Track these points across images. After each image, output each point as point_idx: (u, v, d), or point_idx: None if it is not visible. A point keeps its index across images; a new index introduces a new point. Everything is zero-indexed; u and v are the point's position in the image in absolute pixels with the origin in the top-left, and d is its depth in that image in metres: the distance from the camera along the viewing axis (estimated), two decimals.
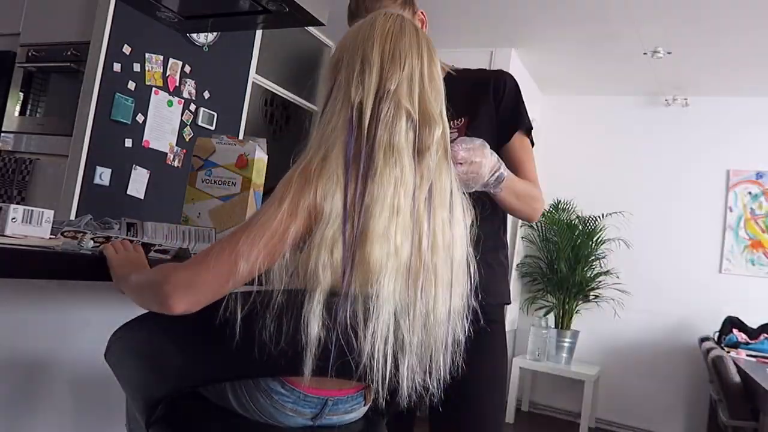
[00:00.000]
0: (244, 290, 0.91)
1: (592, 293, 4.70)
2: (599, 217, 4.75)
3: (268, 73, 4.20)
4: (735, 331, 4.04)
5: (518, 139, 1.50)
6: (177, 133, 3.42)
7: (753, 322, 4.09)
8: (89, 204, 2.92)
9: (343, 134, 0.96)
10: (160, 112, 3.30)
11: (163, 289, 0.91)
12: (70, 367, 1.43)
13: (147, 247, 1.24)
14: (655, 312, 4.61)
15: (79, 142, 2.95)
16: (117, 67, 3.05)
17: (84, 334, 1.42)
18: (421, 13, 1.55)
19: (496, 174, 1.29)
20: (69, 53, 3.10)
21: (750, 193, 4.55)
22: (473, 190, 1.25)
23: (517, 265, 4.87)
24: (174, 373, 1.00)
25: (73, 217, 2.83)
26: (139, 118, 3.19)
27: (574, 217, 4.83)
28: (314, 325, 0.87)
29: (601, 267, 4.75)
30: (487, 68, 2.57)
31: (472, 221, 1.06)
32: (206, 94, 3.58)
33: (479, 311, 1.04)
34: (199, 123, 3.55)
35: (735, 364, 3.14)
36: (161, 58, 3.27)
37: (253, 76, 3.98)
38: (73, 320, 1.42)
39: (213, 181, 1.73)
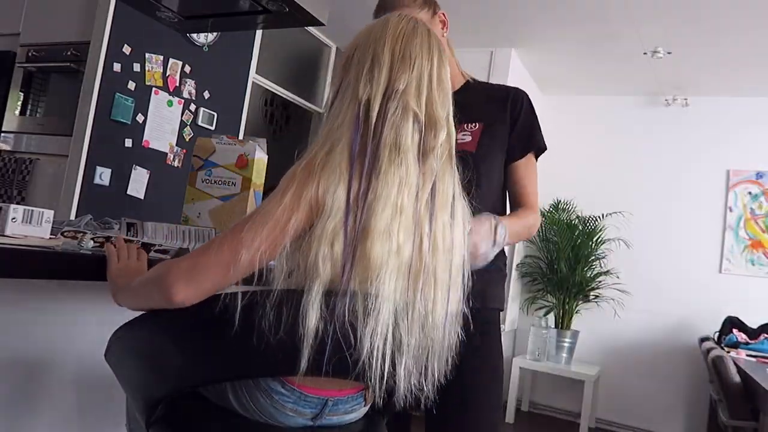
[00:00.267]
0: (245, 290, 0.91)
1: (592, 293, 4.70)
2: (599, 217, 4.75)
3: (268, 73, 4.20)
4: (735, 331, 4.04)
5: (527, 159, 1.53)
6: (177, 133, 3.42)
7: (753, 322, 4.09)
8: (89, 204, 2.92)
9: (349, 130, 0.96)
10: (160, 112, 3.30)
11: (166, 279, 0.91)
12: (70, 367, 1.43)
13: (147, 247, 1.24)
14: (655, 312, 4.61)
15: (79, 142, 2.96)
16: (117, 67, 3.05)
17: (84, 334, 1.42)
18: (442, 14, 1.56)
19: (496, 245, 1.27)
20: (69, 53, 3.10)
21: (750, 193, 4.55)
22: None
23: (517, 265, 4.87)
24: (174, 373, 1.00)
25: (73, 217, 2.83)
26: (139, 118, 3.19)
27: (574, 217, 4.83)
28: (312, 317, 0.87)
29: (601, 267, 4.75)
30: (491, 77, 2.59)
31: (471, 228, 1.07)
32: (206, 94, 3.58)
33: (477, 315, 1.04)
34: (199, 123, 3.55)
35: (735, 364, 3.14)
36: (161, 58, 3.28)
37: (253, 76, 3.99)
38: (73, 320, 1.42)
39: (213, 181, 1.73)
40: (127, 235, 1.45)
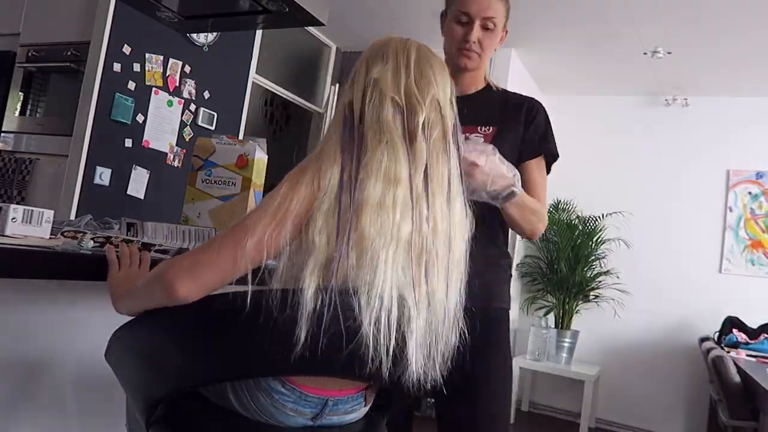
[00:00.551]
0: (245, 290, 0.91)
1: (592, 293, 4.70)
2: (599, 217, 4.75)
3: (268, 73, 4.20)
4: (735, 331, 4.04)
5: (538, 162, 1.58)
6: (177, 133, 3.42)
7: (753, 322, 4.09)
8: (89, 204, 2.92)
9: (339, 128, 1.02)
10: (160, 112, 3.30)
11: (168, 274, 0.91)
12: (71, 367, 1.43)
13: (147, 247, 1.24)
14: (655, 312, 4.61)
15: (79, 142, 2.96)
16: (117, 67, 3.05)
17: (84, 334, 1.42)
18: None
19: (508, 190, 1.29)
20: (69, 53, 3.10)
21: (750, 193, 4.55)
22: (476, 197, 1.24)
23: (517, 265, 4.86)
24: (174, 373, 0.99)
25: (73, 217, 2.83)
26: (139, 118, 3.19)
27: (574, 217, 4.83)
28: (310, 290, 0.89)
29: (601, 267, 4.75)
30: (490, 77, 2.58)
31: (477, 224, 1.07)
32: (206, 94, 3.59)
33: (484, 314, 1.05)
34: (199, 123, 3.55)
35: (735, 364, 3.14)
36: (161, 58, 3.28)
37: (253, 76, 3.99)
38: (73, 320, 1.42)
39: (213, 181, 1.73)
40: (127, 235, 1.45)
